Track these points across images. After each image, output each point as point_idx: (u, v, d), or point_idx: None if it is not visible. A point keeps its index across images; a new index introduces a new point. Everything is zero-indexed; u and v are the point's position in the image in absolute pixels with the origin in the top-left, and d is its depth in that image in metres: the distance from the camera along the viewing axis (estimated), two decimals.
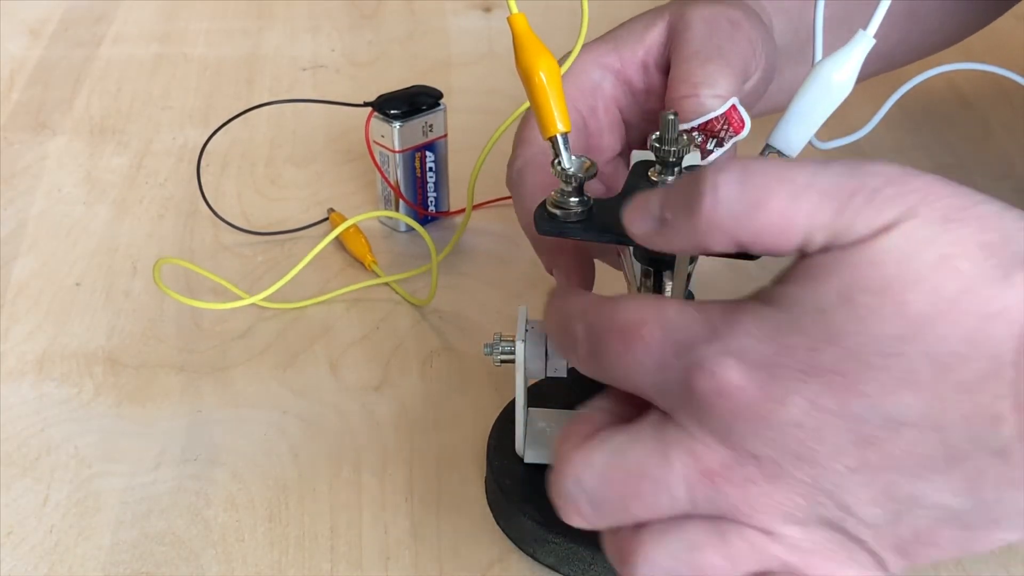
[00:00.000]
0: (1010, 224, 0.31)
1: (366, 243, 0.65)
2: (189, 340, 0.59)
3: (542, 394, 0.51)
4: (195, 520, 0.49)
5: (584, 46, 0.48)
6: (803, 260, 0.32)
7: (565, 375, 0.46)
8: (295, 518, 0.49)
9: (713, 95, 0.46)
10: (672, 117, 0.40)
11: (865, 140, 0.51)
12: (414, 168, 0.66)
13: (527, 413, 0.48)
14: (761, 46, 0.49)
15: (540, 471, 0.41)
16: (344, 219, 0.66)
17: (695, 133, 0.46)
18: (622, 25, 0.50)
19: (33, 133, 0.78)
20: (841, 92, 0.41)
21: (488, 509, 0.49)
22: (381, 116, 0.64)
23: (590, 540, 0.38)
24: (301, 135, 0.78)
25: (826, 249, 0.31)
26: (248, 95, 0.83)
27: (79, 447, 0.53)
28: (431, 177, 0.67)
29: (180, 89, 0.84)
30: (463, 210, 0.64)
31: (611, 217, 0.39)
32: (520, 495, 0.47)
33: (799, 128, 0.42)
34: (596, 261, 0.50)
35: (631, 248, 0.44)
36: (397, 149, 0.65)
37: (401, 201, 0.67)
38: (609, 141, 0.50)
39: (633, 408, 0.35)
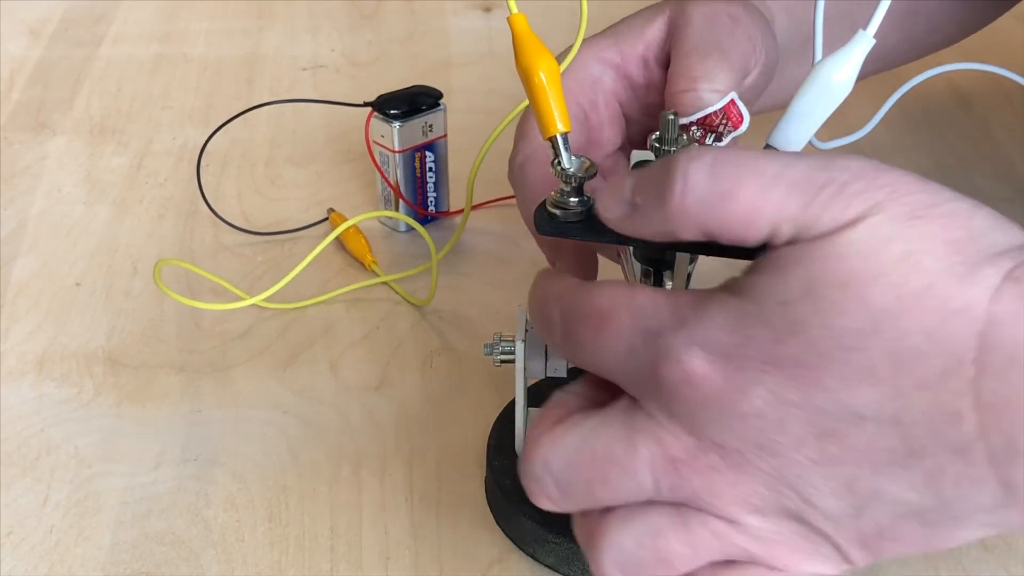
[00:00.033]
0: (979, 222, 0.31)
1: (366, 243, 0.65)
2: (189, 340, 0.59)
3: (542, 394, 0.51)
4: (195, 520, 0.49)
5: (585, 41, 0.49)
6: (770, 252, 0.32)
7: (565, 375, 0.46)
8: (295, 518, 0.49)
9: (711, 90, 0.46)
10: (672, 117, 0.40)
11: (865, 140, 0.52)
12: (414, 168, 0.66)
13: (527, 413, 0.48)
14: (761, 42, 0.49)
15: None
16: (344, 219, 0.66)
17: (694, 128, 0.46)
18: (623, 20, 0.50)
19: (33, 133, 0.78)
20: (841, 92, 0.41)
21: (488, 509, 0.49)
22: (381, 116, 0.64)
23: None
24: (301, 135, 0.78)
25: (793, 241, 0.31)
26: (248, 95, 0.83)
27: (79, 447, 0.53)
28: (431, 177, 0.67)
29: (180, 89, 0.84)
30: (463, 210, 0.64)
31: None
32: (520, 495, 0.47)
33: (799, 128, 0.42)
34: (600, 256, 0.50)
35: (631, 248, 0.44)
36: (397, 149, 0.65)
37: (401, 201, 0.67)
38: (609, 135, 0.50)
39: (607, 393, 0.35)
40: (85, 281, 0.64)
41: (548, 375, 0.46)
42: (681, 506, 0.33)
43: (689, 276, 0.44)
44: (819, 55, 0.47)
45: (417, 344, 0.59)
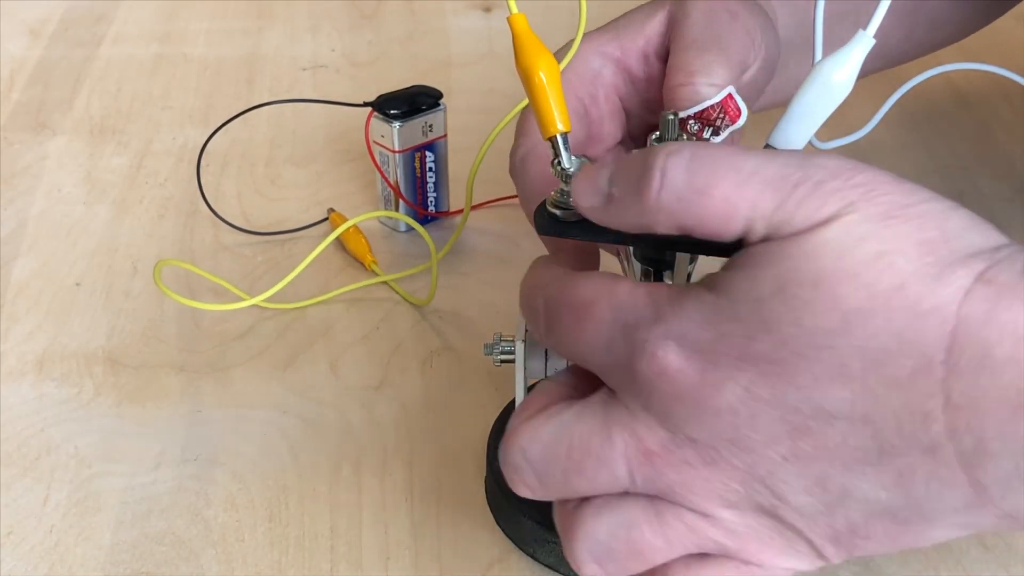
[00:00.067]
0: (954, 223, 0.31)
1: (366, 243, 0.65)
2: (189, 340, 0.59)
3: None
4: (195, 520, 0.49)
5: (585, 35, 0.49)
6: (745, 249, 0.32)
7: None
8: (295, 518, 0.49)
9: (709, 84, 0.46)
10: (672, 117, 0.40)
11: (865, 140, 0.52)
12: (414, 168, 0.66)
13: None
14: (760, 37, 0.49)
15: None
16: (344, 219, 0.66)
17: (691, 121, 0.46)
18: (623, 15, 0.51)
19: (33, 133, 0.78)
20: (841, 92, 0.41)
21: (488, 509, 0.49)
22: (381, 116, 0.64)
23: None
24: (301, 135, 0.78)
25: (767, 239, 0.31)
26: (248, 95, 0.83)
27: (79, 447, 0.53)
28: (431, 177, 0.67)
29: (180, 89, 0.84)
30: (463, 210, 0.64)
31: None
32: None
33: (799, 128, 0.42)
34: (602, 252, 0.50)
35: (631, 248, 0.44)
36: (397, 149, 0.65)
37: (401, 201, 0.67)
38: (609, 129, 0.50)
39: (591, 384, 0.35)
40: (85, 281, 0.64)
41: (548, 375, 0.46)
42: (656, 499, 0.33)
43: (689, 276, 0.44)
44: (819, 55, 0.47)
45: (417, 344, 0.59)
